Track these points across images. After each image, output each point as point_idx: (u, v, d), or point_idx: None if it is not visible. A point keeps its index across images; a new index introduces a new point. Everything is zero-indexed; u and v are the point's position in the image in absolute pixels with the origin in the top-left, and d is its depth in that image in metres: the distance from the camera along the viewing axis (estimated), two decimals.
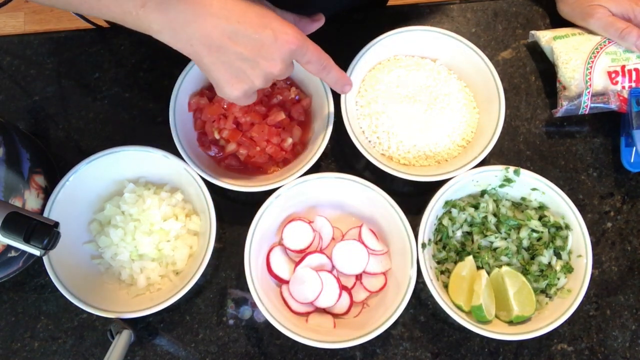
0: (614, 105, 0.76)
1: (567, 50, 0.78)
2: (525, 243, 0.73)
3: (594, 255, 0.71)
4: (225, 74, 0.59)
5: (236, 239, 0.75)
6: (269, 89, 0.77)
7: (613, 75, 0.76)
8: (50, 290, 0.74)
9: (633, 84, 0.76)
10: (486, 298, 0.68)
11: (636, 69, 0.76)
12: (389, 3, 1.00)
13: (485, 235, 0.73)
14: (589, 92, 0.76)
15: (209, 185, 0.72)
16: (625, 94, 0.76)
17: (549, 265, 0.72)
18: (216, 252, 0.75)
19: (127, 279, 0.73)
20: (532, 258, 0.73)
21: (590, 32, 0.79)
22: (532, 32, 0.82)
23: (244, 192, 0.73)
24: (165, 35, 0.57)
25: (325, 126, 0.74)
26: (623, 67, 0.76)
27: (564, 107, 0.77)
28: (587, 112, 0.77)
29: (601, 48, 0.76)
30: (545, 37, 0.80)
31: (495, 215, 0.74)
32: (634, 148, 0.77)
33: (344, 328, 0.71)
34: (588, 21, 0.78)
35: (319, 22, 0.69)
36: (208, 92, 0.78)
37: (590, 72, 0.76)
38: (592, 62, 0.76)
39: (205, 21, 0.56)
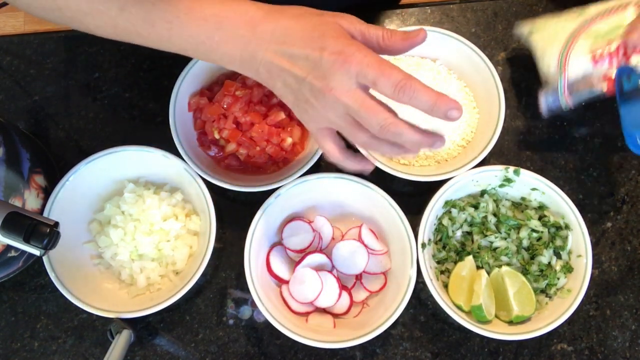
0: (599, 88, 0.69)
1: (543, 43, 0.73)
2: (525, 243, 0.73)
3: (594, 255, 0.71)
4: (291, 99, 0.56)
5: (236, 239, 0.75)
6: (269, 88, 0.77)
7: (597, 56, 0.68)
8: (50, 290, 0.74)
9: (622, 62, 0.68)
10: (486, 298, 0.68)
11: (624, 44, 0.67)
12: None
13: (485, 235, 0.73)
14: (564, 79, 0.70)
15: (209, 185, 0.72)
16: (612, 73, 0.69)
17: (549, 265, 0.72)
18: (216, 252, 0.75)
19: (127, 279, 0.73)
20: (532, 258, 0.73)
21: (568, 15, 0.73)
22: (515, 31, 0.79)
23: (244, 192, 0.73)
24: (235, 66, 0.58)
25: None
26: (609, 43, 0.68)
27: (544, 103, 0.73)
28: (571, 104, 0.71)
29: (580, 32, 0.70)
30: (524, 34, 0.77)
31: (495, 215, 0.74)
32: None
33: (344, 328, 0.71)
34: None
35: (415, 39, 0.56)
36: (208, 92, 0.78)
37: (565, 59, 0.70)
38: (569, 47, 0.70)
39: (259, 47, 0.55)
